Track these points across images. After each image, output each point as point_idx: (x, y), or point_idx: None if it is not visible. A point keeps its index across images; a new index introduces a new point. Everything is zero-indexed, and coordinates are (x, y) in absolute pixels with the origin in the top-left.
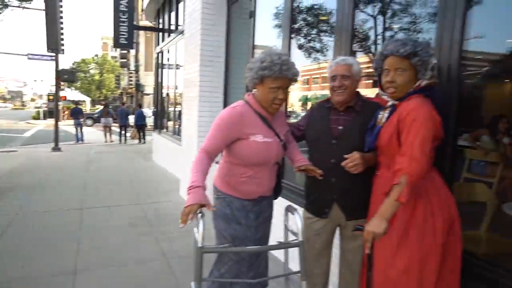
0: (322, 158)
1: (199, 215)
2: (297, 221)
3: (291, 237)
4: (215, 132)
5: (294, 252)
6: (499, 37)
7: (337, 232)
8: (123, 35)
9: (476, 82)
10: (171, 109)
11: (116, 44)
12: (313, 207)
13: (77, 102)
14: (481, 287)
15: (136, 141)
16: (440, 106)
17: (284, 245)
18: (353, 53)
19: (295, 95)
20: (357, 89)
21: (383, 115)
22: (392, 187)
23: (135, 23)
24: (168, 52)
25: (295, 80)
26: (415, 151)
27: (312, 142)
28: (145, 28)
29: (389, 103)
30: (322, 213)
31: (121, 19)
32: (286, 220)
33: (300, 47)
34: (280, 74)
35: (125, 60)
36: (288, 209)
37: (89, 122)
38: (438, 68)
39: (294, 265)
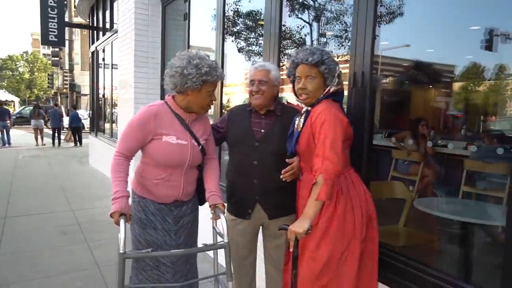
0: (245, 160)
1: (122, 221)
2: (222, 222)
3: (220, 239)
4: (129, 133)
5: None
6: (425, 47)
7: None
8: (53, 32)
9: (397, 88)
10: (108, 110)
11: (45, 41)
12: (235, 209)
13: (3, 102)
14: (397, 278)
15: (72, 144)
16: (352, 109)
17: (208, 247)
18: (280, 57)
19: (239, 96)
20: (278, 94)
21: (299, 121)
22: (312, 188)
23: (67, 20)
24: (104, 51)
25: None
26: (326, 151)
27: (234, 145)
28: (77, 26)
29: (304, 109)
30: (246, 214)
31: (50, 15)
32: (215, 222)
33: (239, 50)
34: (218, 78)
35: (57, 58)
36: (216, 211)
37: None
38: (354, 74)
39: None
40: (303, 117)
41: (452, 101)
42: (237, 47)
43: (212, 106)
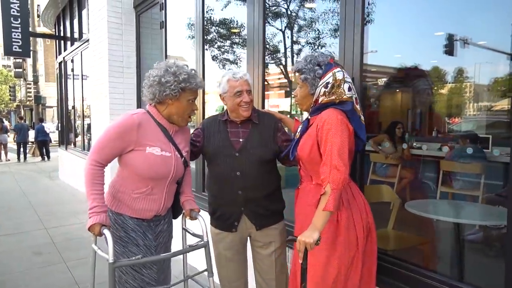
0: (226, 171)
1: (106, 230)
2: (200, 223)
3: (192, 240)
4: (106, 140)
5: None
6: (393, 52)
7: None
8: (16, 42)
9: (375, 92)
10: (78, 122)
11: (8, 52)
12: (221, 222)
13: None
14: (391, 280)
15: (38, 158)
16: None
17: (192, 248)
18: (265, 65)
19: (212, 105)
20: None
21: (299, 128)
22: (320, 197)
23: (30, 29)
24: (72, 61)
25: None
26: (334, 160)
27: (213, 157)
28: (43, 36)
29: (304, 118)
30: (232, 227)
31: (13, 25)
32: (184, 223)
33: (215, 58)
34: (197, 86)
35: (20, 69)
36: (190, 213)
37: None
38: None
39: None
40: (301, 125)
41: (420, 104)
42: (211, 55)
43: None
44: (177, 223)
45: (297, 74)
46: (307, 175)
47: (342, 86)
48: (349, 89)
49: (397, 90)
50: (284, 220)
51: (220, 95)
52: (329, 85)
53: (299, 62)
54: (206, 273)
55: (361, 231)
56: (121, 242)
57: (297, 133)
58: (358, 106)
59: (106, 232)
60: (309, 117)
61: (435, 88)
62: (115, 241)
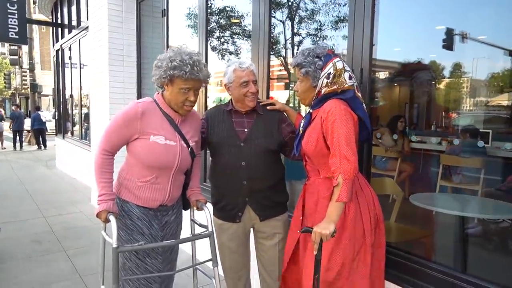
0: (231, 161)
1: (111, 217)
2: (206, 214)
3: (199, 230)
4: (113, 129)
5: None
6: (392, 46)
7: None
8: (13, 28)
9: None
10: (76, 111)
11: (4, 39)
12: (224, 213)
13: None
14: (395, 272)
15: (35, 147)
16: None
17: (196, 237)
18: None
19: (210, 96)
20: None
21: (301, 123)
22: (333, 189)
23: (28, 17)
24: (70, 49)
25: (207, 82)
26: (342, 149)
27: (218, 147)
28: (40, 22)
29: (306, 112)
30: (236, 217)
31: (10, 11)
32: (192, 214)
33: (214, 49)
34: (192, 75)
35: (16, 57)
36: (196, 204)
37: None
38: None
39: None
40: (304, 120)
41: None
42: (211, 45)
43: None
44: (186, 214)
45: (296, 68)
46: (314, 170)
47: (343, 75)
48: (350, 77)
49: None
50: (287, 212)
51: (225, 85)
52: (331, 75)
53: (297, 56)
54: (211, 262)
55: (368, 224)
56: (126, 229)
57: (300, 128)
58: (359, 94)
59: (112, 218)
60: (311, 110)
61: (434, 82)
62: (121, 228)
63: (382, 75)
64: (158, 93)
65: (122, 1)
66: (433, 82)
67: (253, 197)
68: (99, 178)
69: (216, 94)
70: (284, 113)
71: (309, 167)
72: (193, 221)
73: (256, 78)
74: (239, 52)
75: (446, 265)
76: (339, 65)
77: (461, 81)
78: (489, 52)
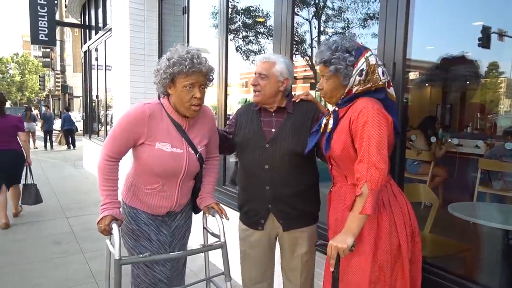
0: (254, 164)
1: (114, 225)
2: (218, 222)
3: (212, 239)
4: (118, 133)
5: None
6: (425, 44)
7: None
8: (43, 30)
9: (413, 85)
10: (102, 112)
11: (35, 41)
12: (247, 218)
13: None
14: None
15: (65, 147)
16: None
17: (206, 248)
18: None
19: (234, 98)
20: (290, 90)
21: (328, 122)
22: (355, 199)
23: (59, 20)
24: (97, 51)
25: (211, 79)
26: (372, 156)
27: (242, 148)
28: (68, 24)
29: (331, 109)
30: (258, 224)
31: (40, 13)
32: (205, 222)
33: (238, 49)
34: (192, 67)
35: (48, 59)
36: (207, 211)
37: None
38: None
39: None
40: (332, 118)
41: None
42: (235, 45)
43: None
44: (198, 220)
45: (322, 65)
46: (341, 175)
47: (376, 71)
48: (383, 73)
49: (427, 84)
50: (316, 223)
51: None
52: (364, 72)
53: (322, 52)
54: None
55: (404, 237)
56: (133, 235)
57: (328, 127)
58: (391, 90)
59: (114, 226)
60: (336, 108)
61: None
62: (126, 233)
63: (412, 75)
64: (163, 97)
65: (144, 0)
66: (478, 79)
67: (276, 204)
68: (103, 186)
69: (241, 95)
70: (320, 111)
71: (335, 172)
72: (205, 229)
73: (269, 73)
74: (263, 52)
75: (488, 286)
76: (372, 60)
77: (498, 81)
78: None
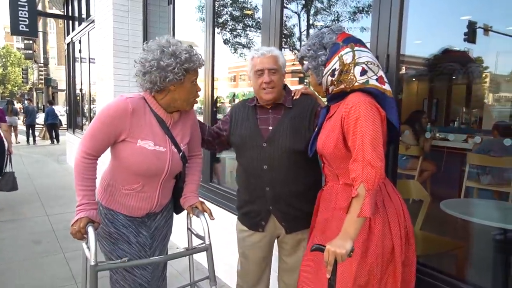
0: (253, 164)
1: (90, 228)
2: (202, 223)
3: (197, 240)
4: (98, 127)
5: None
6: (412, 39)
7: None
8: (23, 21)
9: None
10: (86, 106)
11: (15, 32)
12: (247, 220)
13: None
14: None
15: (48, 141)
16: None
17: (190, 251)
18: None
19: (222, 92)
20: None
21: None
22: (351, 200)
23: (40, 10)
24: (80, 43)
25: None
26: (367, 153)
27: (239, 148)
28: (50, 15)
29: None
30: (259, 226)
31: (20, 3)
32: (189, 223)
33: (226, 42)
34: (200, 64)
35: (30, 51)
36: (191, 211)
37: None
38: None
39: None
40: (320, 113)
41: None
42: (222, 38)
43: (200, 102)
44: (182, 221)
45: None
46: (333, 174)
47: (352, 71)
48: (362, 72)
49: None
50: None
51: (249, 77)
52: (336, 72)
53: (304, 46)
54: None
55: (398, 239)
56: (110, 238)
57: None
58: (386, 86)
59: (90, 229)
60: (328, 104)
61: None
62: (103, 237)
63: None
64: (146, 91)
65: None
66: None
67: (277, 205)
68: (79, 186)
69: (229, 89)
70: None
71: (327, 171)
72: (190, 230)
73: (278, 66)
74: (251, 45)
75: (482, 286)
76: (347, 58)
77: (483, 75)
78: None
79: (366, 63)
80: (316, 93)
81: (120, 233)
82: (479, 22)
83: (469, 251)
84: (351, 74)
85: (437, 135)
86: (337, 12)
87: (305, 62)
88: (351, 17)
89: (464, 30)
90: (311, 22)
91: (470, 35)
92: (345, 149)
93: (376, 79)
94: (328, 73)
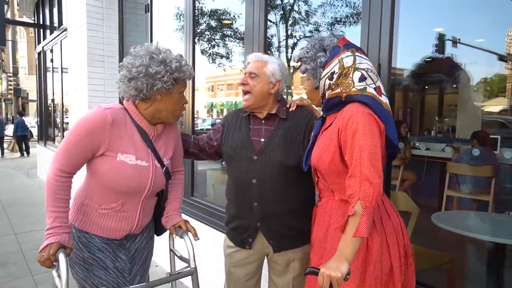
0: (241, 178)
1: (61, 255)
2: (187, 244)
3: (180, 265)
4: (73, 142)
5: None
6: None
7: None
8: None
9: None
10: (58, 117)
11: None
12: (234, 236)
13: None
14: None
15: (18, 154)
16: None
17: (174, 277)
18: None
19: (200, 102)
20: (281, 93)
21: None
22: (347, 219)
23: (9, 18)
24: (52, 52)
25: None
26: (364, 168)
27: (229, 159)
28: (20, 23)
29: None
30: (245, 243)
31: None
32: (172, 243)
33: (204, 52)
34: (191, 75)
35: None
36: (174, 231)
37: None
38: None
39: None
40: (315, 125)
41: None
42: (200, 49)
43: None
44: (163, 241)
45: (299, 63)
46: (328, 189)
47: (350, 76)
48: (361, 79)
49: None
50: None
51: None
52: (335, 75)
53: (302, 48)
54: None
55: (397, 260)
56: (84, 264)
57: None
58: (383, 98)
59: (61, 256)
60: (324, 115)
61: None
62: (76, 263)
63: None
64: (128, 100)
65: None
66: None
67: (265, 222)
68: (51, 207)
69: (207, 99)
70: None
71: (321, 185)
72: (172, 251)
73: (260, 72)
74: (231, 55)
75: None
76: (348, 61)
77: (454, 85)
78: (480, 58)
79: (366, 69)
80: (311, 103)
81: (95, 258)
82: (450, 34)
83: (461, 264)
84: (349, 78)
85: (416, 144)
86: (317, 22)
87: (302, 66)
88: (329, 28)
89: (430, 43)
90: (289, 32)
91: (440, 47)
92: (342, 163)
93: (374, 88)
94: (327, 75)
